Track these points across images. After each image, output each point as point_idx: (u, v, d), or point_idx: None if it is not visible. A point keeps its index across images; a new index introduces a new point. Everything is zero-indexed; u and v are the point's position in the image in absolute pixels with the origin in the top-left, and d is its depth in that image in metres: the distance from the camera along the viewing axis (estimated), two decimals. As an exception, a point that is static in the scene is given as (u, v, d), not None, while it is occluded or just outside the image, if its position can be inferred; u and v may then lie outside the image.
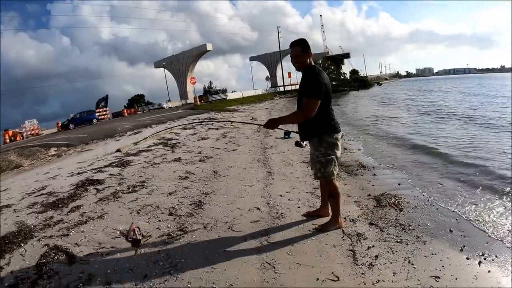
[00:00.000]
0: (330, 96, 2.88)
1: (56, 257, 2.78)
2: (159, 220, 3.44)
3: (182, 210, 3.70)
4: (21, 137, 24.66)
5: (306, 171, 5.17)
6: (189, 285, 2.28)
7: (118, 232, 3.19)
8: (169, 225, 3.30)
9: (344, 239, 2.88)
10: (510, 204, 3.72)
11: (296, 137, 3.19)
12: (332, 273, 2.37)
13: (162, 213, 3.64)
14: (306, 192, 4.15)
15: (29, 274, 2.55)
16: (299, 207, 3.62)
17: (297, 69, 2.96)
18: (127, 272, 2.48)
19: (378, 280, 2.29)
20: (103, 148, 10.32)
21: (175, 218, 3.47)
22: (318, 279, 2.30)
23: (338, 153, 2.93)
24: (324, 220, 3.18)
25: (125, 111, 37.82)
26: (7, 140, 23.37)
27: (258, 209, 3.63)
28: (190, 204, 3.86)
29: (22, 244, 3.09)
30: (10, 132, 24.92)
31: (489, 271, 2.40)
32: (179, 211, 3.66)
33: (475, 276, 2.34)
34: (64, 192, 4.75)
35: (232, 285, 2.26)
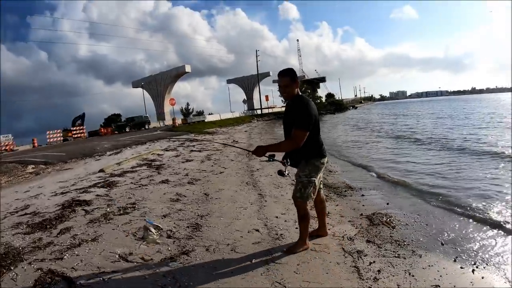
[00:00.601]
0: (318, 125, 3.00)
1: (53, 283, 2.62)
2: (158, 243, 3.37)
3: (180, 232, 3.66)
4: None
5: (297, 193, 5.25)
6: (203, 309, 2.24)
7: (117, 256, 3.08)
8: (169, 248, 3.25)
9: (346, 257, 3.00)
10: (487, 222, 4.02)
11: (279, 165, 3.24)
12: (341, 288, 2.46)
13: (160, 235, 3.57)
14: (301, 213, 4.23)
15: (25, 300, 2.36)
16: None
17: (285, 98, 3.06)
18: (134, 297, 2.38)
19: (385, 292, 2.42)
20: (84, 167, 10.01)
21: (174, 241, 3.42)
22: None
23: (319, 176, 3.05)
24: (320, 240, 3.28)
25: (102, 130, 36.79)
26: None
27: (257, 230, 3.67)
28: (188, 227, 3.83)
29: (12, 268, 2.92)
30: None
31: (482, 277, 2.67)
32: (177, 234, 3.62)
33: (471, 282, 2.60)
34: (50, 213, 4.59)
35: (247, 306, 2.27)
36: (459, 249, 3.24)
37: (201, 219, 4.12)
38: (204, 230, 3.72)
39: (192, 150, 11.83)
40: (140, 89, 53.66)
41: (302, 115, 2.83)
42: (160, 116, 50.88)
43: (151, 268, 2.85)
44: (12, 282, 2.68)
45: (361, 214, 4.29)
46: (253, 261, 2.90)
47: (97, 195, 5.53)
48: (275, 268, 2.76)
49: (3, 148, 24.70)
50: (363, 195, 5.43)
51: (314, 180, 2.98)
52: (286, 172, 3.15)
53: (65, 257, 3.10)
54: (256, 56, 57.42)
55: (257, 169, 7.57)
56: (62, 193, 6.03)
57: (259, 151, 2.96)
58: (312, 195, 3.01)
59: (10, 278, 2.73)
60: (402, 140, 14.50)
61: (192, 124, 36.76)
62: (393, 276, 2.66)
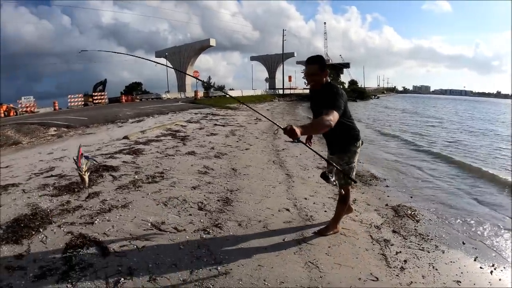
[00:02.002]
0: (348, 110, 2.88)
1: (85, 247, 2.63)
2: (190, 214, 3.45)
3: (211, 205, 3.75)
4: (15, 113, 23.83)
5: (323, 177, 5.28)
6: (240, 282, 2.31)
7: (149, 224, 3.14)
8: (202, 220, 3.32)
9: (374, 244, 3.07)
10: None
11: (304, 146, 3.01)
12: (371, 273, 2.55)
13: (191, 207, 3.66)
14: (329, 197, 4.31)
15: (56, 264, 2.39)
16: (325, 211, 3.77)
17: (312, 87, 2.90)
18: (170, 266, 2.43)
19: (411, 282, 2.52)
20: (107, 133, 10.21)
21: (206, 214, 3.50)
22: (360, 278, 2.47)
23: (356, 159, 3.02)
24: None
25: (123, 97, 37.07)
26: (1, 115, 22.72)
27: (288, 210, 3.74)
28: (218, 200, 3.93)
29: (41, 230, 2.92)
30: (4, 107, 24.01)
31: (500, 279, 2.74)
32: (208, 207, 3.70)
33: (490, 283, 2.67)
34: (77, 176, 4.53)
35: (283, 282, 2.34)
36: (478, 250, 3.29)
37: (231, 193, 4.21)
38: (235, 205, 3.80)
39: (215, 124, 11.93)
40: (162, 60, 53.63)
41: (335, 99, 2.64)
42: (181, 88, 51.03)
43: (184, 238, 2.91)
44: (41, 244, 2.69)
45: (387, 205, 4.32)
46: (285, 240, 2.98)
47: (124, 161, 5.66)
48: (307, 249, 2.84)
49: (24, 110, 25.18)
50: (387, 186, 5.45)
51: (354, 164, 2.98)
52: (332, 178, 2.66)
53: (96, 222, 3.14)
54: (283, 36, 56.10)
55: (283, 149, 7.61)
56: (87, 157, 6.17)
57: (292, 131, 2.24)
58: (354, 177, 3.02)
59: (39, 240, 2.75)
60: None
61: (214, 98, 36.74)
62: (418, 267, 2.74)
